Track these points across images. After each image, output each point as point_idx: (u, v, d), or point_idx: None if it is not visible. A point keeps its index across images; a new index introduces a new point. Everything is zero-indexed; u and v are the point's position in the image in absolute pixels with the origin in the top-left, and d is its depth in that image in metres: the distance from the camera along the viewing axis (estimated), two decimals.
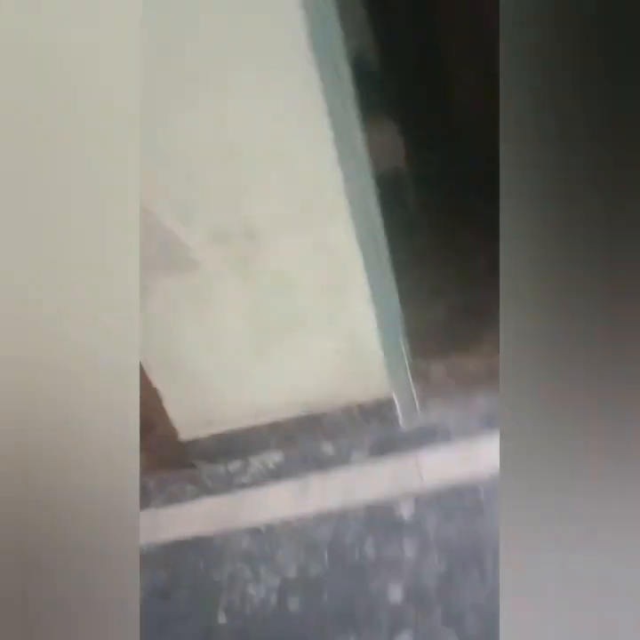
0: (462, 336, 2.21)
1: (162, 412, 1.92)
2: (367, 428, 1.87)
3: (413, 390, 1.88)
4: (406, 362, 1.87)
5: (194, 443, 1.96)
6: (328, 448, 1.88)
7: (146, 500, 1.93)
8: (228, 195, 1.52)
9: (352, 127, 1.50)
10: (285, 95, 1.39)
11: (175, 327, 1.74)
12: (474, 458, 1.70)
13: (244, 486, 1.88)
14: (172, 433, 1.95)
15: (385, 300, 1.74)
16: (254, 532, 1.73)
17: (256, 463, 1.93)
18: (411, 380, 1.88)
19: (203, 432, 1.94)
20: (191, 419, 1.93)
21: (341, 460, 1.83)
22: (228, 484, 1.90)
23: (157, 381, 1.84)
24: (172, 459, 2.01)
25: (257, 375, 1.83)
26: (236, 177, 1.48)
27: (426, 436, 1.82)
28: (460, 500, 1.62)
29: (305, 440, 1.90)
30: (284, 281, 1.66)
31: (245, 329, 1.74)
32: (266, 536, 1.71)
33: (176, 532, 1.80)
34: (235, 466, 1.95)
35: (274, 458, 1.92)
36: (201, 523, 1.82)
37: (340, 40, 1.42)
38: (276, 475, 1.87)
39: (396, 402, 1.85)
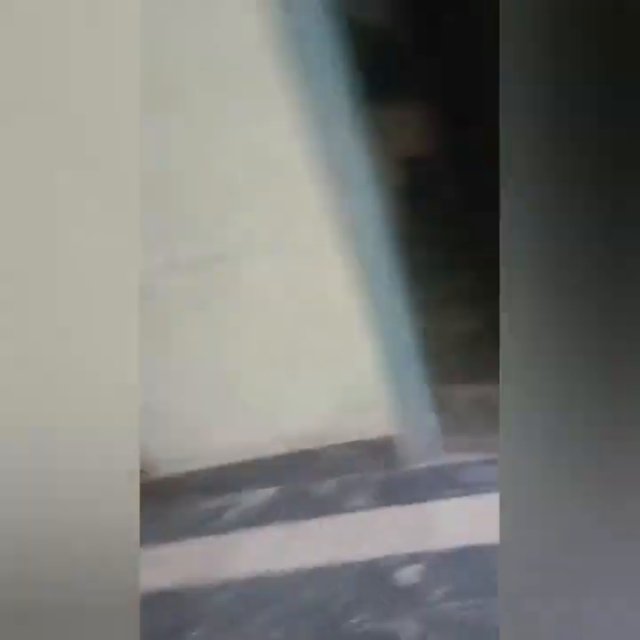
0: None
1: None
2: (372, 469, 1.58)
3: (430, 424, 1.57)
4: (422, 389, 1.56)
5: (175, 478, 1.73)
6: (322, 489, 1.60)
7: None
8: (201, 216, 1.29)
9: (354, 132, 1.23)
10: (266, 103, 1.13)
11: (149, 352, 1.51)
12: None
13: (225, 529, 1.62)
14: (152, 464, 1.73)
15: (395, 316, 1.44)
16: (234, 585, 1.48)
17: (241, 502, 1.68)
18: (427, 411, 1.57)
19: (186, 466, 1.71)
20: (174, 451, 1.70)
21: (337, 505, 1.54)
22: (207, 526, 1.65)
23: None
24: (152, 491, 1.79)
25: (244, 407, 1.57)
26: (209, 198, 1.25)
27: (442, 484, 1.50)
28: (476, 569, 1.31)
29: (298, 479, 1.63)
30: (266, 307, 1.40)
31: (228, 358, 1.49)
32: (246, 592, 1.46)
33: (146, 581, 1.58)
34: (215, 504, 1.70)
35: (261, 496, 1.66)
36: (174, 571, 1.58)
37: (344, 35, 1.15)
38: (262, 518, 1.61)
39: (408, 438, 1.54)
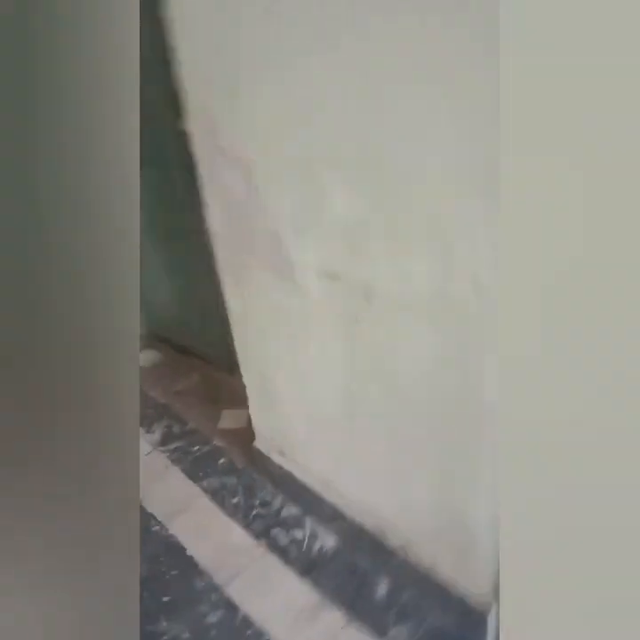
0: None
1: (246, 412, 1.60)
2: (434, 611, 1.25)
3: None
4: None
5: (265, 457, 1.62)
6: (373, 592, 1.33)
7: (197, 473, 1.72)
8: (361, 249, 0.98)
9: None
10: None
11: (268, 333, 1.33)
12: None
13: (276, 546, 1.49)
14: (250, 433, 1.64)
15: None
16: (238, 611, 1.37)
17: (302, 531, 1.51)
18: None
19: (273, 456, 1.58)
20: (267, 436, 1.57)
21: (379, 625, 1.27)
22: (265, 525, 1.53)
23: (245, 380, 1.51)
24: (243, 453, 1.73)
25: (334, 444, 1.34)
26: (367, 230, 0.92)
27: None
28: None
29: (359, 559, 1.38)
30: (385, 362, 1.08)
31: (337, 388, 1.23)
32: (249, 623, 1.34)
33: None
34: (280, 511, 1.56)
35: (320, 543, 1.46)
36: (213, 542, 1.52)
37: None
38: (307, 567, 1.42)
39: (494, 614, 1.17)
